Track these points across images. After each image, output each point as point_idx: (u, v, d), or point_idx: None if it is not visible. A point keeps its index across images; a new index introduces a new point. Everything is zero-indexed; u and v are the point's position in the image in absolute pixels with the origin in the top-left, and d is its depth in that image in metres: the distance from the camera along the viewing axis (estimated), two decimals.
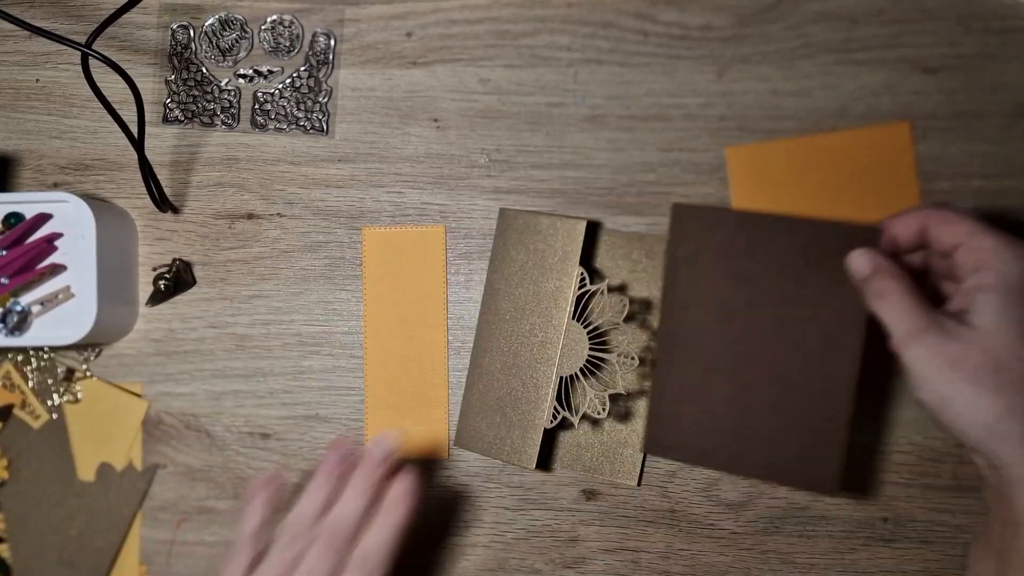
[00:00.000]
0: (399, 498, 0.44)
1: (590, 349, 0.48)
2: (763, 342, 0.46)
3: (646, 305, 0.52)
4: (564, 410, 0.48)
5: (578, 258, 0.49)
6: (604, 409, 0.47)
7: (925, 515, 0.50)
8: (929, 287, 0.45)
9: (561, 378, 0.48)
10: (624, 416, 0.51)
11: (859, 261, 0.43)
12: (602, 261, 0.52)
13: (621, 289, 0.52)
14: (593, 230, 0.52)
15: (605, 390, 0.48)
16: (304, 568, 0.42)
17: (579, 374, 0.48)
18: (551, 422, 0.48)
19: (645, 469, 0.52)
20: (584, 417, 0.48)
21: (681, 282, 0.47)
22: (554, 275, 0.50)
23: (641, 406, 0.51)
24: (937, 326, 0.39)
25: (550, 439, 0.52)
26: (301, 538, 0.43)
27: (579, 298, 0.49)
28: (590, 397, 0.47)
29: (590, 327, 0.48)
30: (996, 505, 0.40)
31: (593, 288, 0.49)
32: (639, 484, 0.51)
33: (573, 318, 0.49)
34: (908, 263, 0.44)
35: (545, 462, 0.52)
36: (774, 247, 0.46)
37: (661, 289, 0.48)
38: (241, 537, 0.44)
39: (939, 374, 0.39)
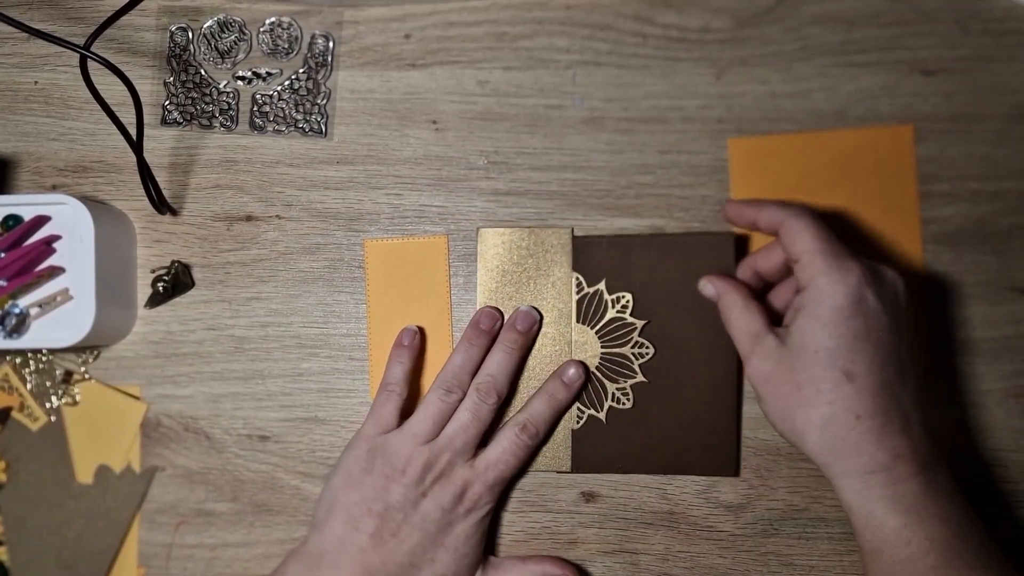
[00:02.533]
0: (567, 382, 0.49)
1: (602, 347, 0.50)
2: (656, 347, 0.50)
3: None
4: (589, 408, 0.50)
5: (570, 265, 0.50)
6: (629, 401, 0.50)
7: None
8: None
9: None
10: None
11: (706, 289, 0.47)
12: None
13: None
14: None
15: (625, 382, 0.50)
16: (458, 421, 0.48)
17: (595, 373, 0.50)
18: (578, 423, 0.50)
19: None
20: (609, 411, 0.50)
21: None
22: (548, 285, 0.51)
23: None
24: (760, 347, 0.44)
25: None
26: (455, 391, 0.48)
27: (580, 301, 0.50)
28: (612, 391, 0.50)
29: (597, 328, 0.50)
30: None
31: (591, 290, 0.50)
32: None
33: (578, 321, 0.50)
34: (769, 263, 0.47)
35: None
36: (645, 262, 0.50)
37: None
38: (386, 385, 0.50)
39: (760, 389, 0.44)
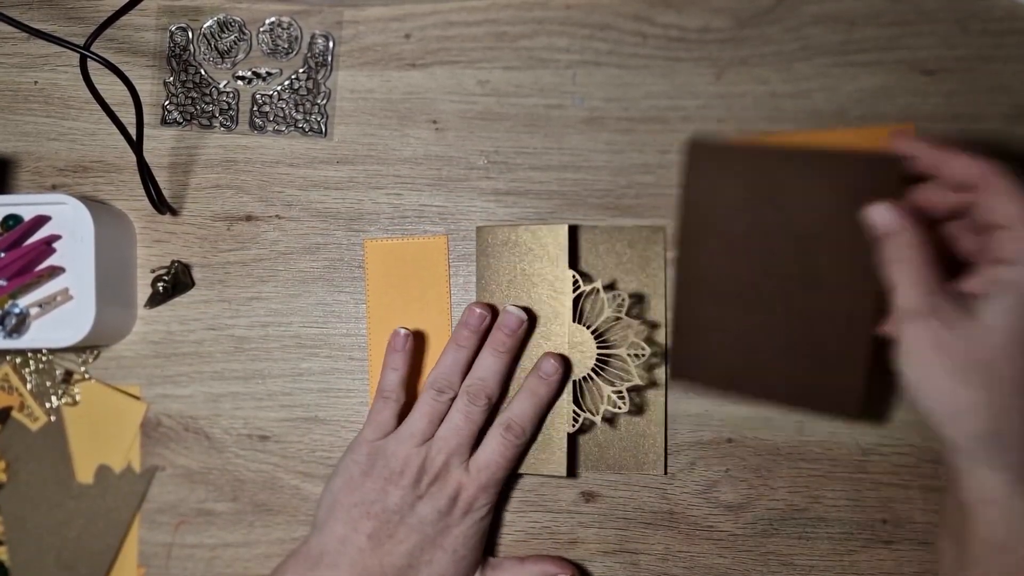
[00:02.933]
0: (545, 376, 0.49)
1: (597, 348, 0.49)
2: (782, 275, 0.45)
3: (638, 298, 0.52)
4: (584, 411, 0.49)
5: (566, 262, 0.50)
6: (624, 404, 0.48)
7: (924, 516, 0.50)
8: (959, 239, 0.43)
9: (574, 381, 0.49)
10: (639, 409, 0.51)
11: (882, 217, 0.41)
12: (586, 260, 0.52)
13: (611, 285, 0.52)
14: (573, 231, 0.52)
15: (621, 385, 0.48)
16: (450, 423, 0.48)
17: (591, 375, 0.49)
18: (573, 426, 0.49)
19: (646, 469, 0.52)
20: (604, 415, 0.49)
21: (695, 221, 0.46)
22: (545, 284, 0.50)
23: (652, 397, 0.51)
24: (938, 311, 0.39)
25: (569, 444, 0.52)
26: (446, 393, 0.48)
27: (575, 301, 0.49)
28: (607, 394, 0.49)
29: (592, 327, 0.49)
30: (951, 486, 0.42)
31: (587, 288, 0.49)
32: (665, 473, 0.51)
33: (573, 321, 0.49)
34: (942, 201, 0.42)
35: (571, 468, 0.52)
36: (792, 183, 0.43)
37: (677, 223, 0.46)
38: (383, 392, 0.49)
39: (922, 355, 0.39)
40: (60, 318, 0.51)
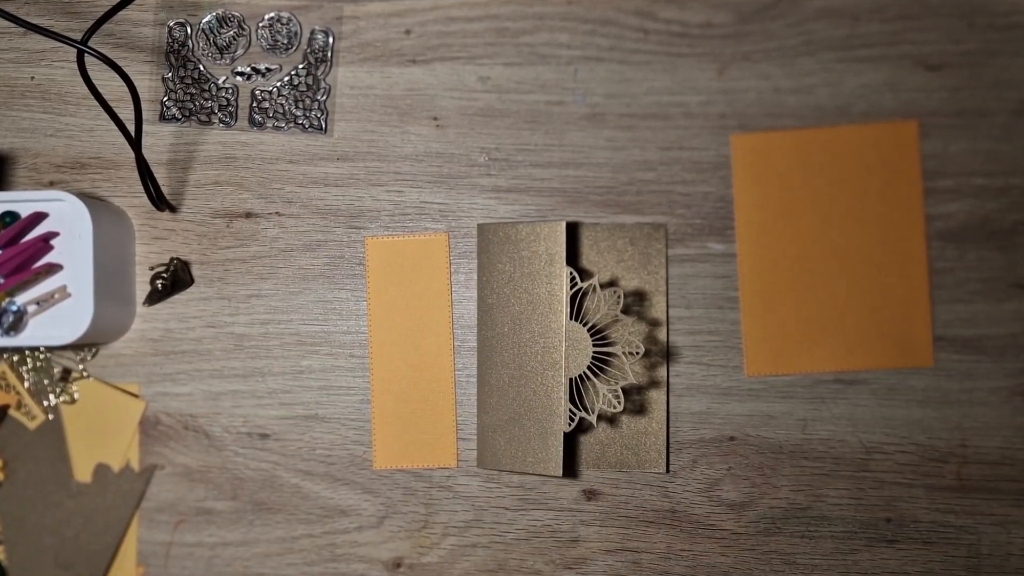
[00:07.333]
0: None
1: (593, 346, 0.48)
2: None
3: (639, 296, 0.52)
4: (580, 411, 0.48)
5: (564, 259, 0.49)
6: (619, 403, 0.47)
7: (928, 516, 0.50)
8: None
9: (571, 380, 0.48)
10: (640, 408, 0.51)
11: None
12: (588, 257, 0.52)
13: (612, 282, 0.52)
14: (574, 229, 0.52)
15: (616, 384, 0.47)
16: None
17: (587, 373, 0.48)
18: (569, 425, 0.48)
19: (649, 467, 0.51)
20: (600, 414, 0.48)
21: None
22: (543, 280, 0.49)
23: (654, 395, 0.51)
24: None
25: (571, 443, 0.52)
26: None
27: (573, 298, 0.49)
28: (603, 393, 0.47)
29: (589, 325, 0.48)
30: None
31: (584, 285, 0.48)
32: (667, 471, 0.51)
33: (570, 318, 0.48)
34: None
35: (572, 466, 0.52)
36: None
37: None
38: None
39: None
40: (58, 315, 0.51)
